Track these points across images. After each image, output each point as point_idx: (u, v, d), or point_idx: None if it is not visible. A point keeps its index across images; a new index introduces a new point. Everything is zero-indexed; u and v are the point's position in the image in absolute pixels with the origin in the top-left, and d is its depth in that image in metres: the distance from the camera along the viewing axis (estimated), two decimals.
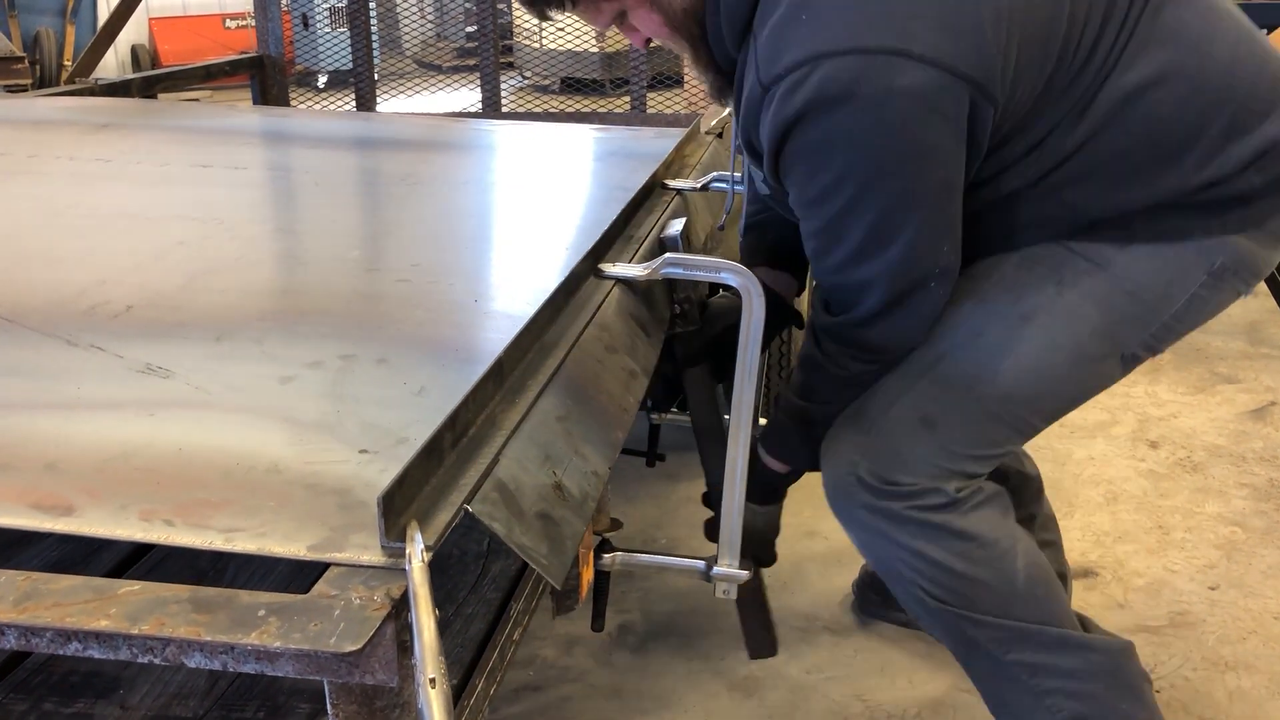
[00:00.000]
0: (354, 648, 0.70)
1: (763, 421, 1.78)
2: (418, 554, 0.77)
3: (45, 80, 8.78)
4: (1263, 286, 3.81)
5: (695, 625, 2.43)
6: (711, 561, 1.51)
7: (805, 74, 1.33)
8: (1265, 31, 3.39)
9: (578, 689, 2.24)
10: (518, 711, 2.17)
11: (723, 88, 1.58)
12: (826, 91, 1.32)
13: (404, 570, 0.77)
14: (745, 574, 1.51)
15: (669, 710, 2.18)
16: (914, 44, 1.31)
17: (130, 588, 0.74)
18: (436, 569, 1.20)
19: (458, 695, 1.04)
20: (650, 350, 1.34)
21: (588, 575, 1.39)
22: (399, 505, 0.81)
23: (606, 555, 1.48)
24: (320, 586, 0.76)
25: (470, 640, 1.12)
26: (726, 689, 2.23)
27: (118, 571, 1.17)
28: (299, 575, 0.79)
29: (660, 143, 2.25)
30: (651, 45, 1.60)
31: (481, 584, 1.26)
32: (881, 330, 1.50)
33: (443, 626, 1.12)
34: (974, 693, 1.75)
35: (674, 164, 2.06)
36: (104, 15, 8.21)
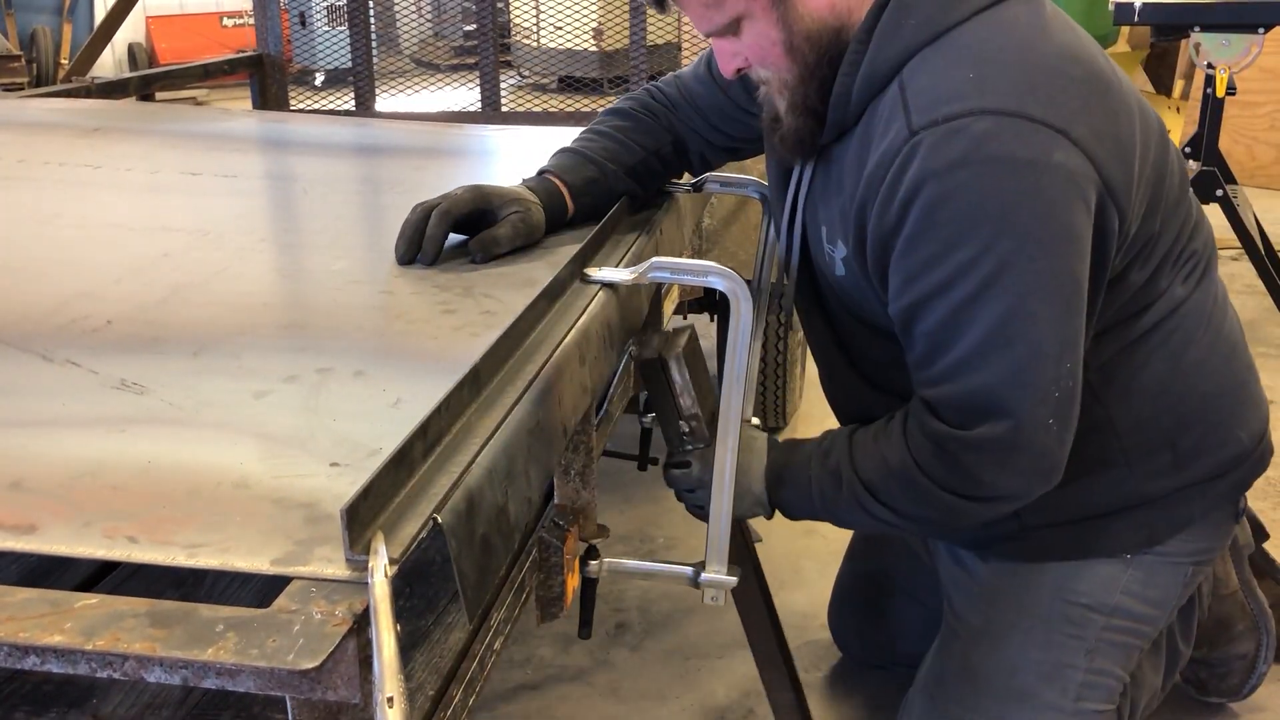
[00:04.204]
0: (311, 665, 0.69)
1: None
2: (380, 567, 0.76)
3: (42, 79, 8.80)
4: (1260, 285, 3.78)
5: (693, 624, 2.43)
6: (699, 568, 1.51)
7: (968, 123, 1.30)
8: (1263, 30, 3.39)
9: (575, 688, 2.25)
10: (515, 710, 2.18)
11: (804, 139, 1.50)
12: (987, 147, 1.29)
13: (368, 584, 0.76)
14: (734, 580, 1.51)
15: (666, 708, 2.19)
16: (1073, 129, 1.31)
17: (88, 601, 0.74)
18: (417, 576, 1.19)
19: (434, 705, 1.04)
20: (608, 364, 1.33)
21: (573, 582, 1.38)
22: (364, 517, 0.80)
23: (593, 562, 1.47)
24: (281, 601, 0.75)
25: (449, 649, 1.11)
26: (724, 687, 2.24)
27: (97, 578, 1.16)
28: (276, 585, 0.78)
29: None
30: (739, 73, 1.51)
31: None
32: (993, 462, 1.42)
33: (422, 635, 1.11)
34: None
35: None
36: (101, 13, 8.21)
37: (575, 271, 1.37)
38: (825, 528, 2.51)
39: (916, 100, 1.36)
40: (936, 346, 1.41)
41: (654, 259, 1.37)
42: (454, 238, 1.51)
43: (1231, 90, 3.56)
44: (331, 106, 3.68)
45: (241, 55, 3.57)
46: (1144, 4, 3.51)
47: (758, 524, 2.78)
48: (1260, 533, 2.07)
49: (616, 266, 1.44)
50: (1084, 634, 1.64)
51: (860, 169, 1.44)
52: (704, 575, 1.50)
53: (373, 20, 3.49)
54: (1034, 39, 1.40)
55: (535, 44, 4.19)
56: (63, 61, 9.16)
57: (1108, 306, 1.48)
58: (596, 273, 1.39)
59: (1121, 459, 1.59)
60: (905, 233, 1.36)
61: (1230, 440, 1.63)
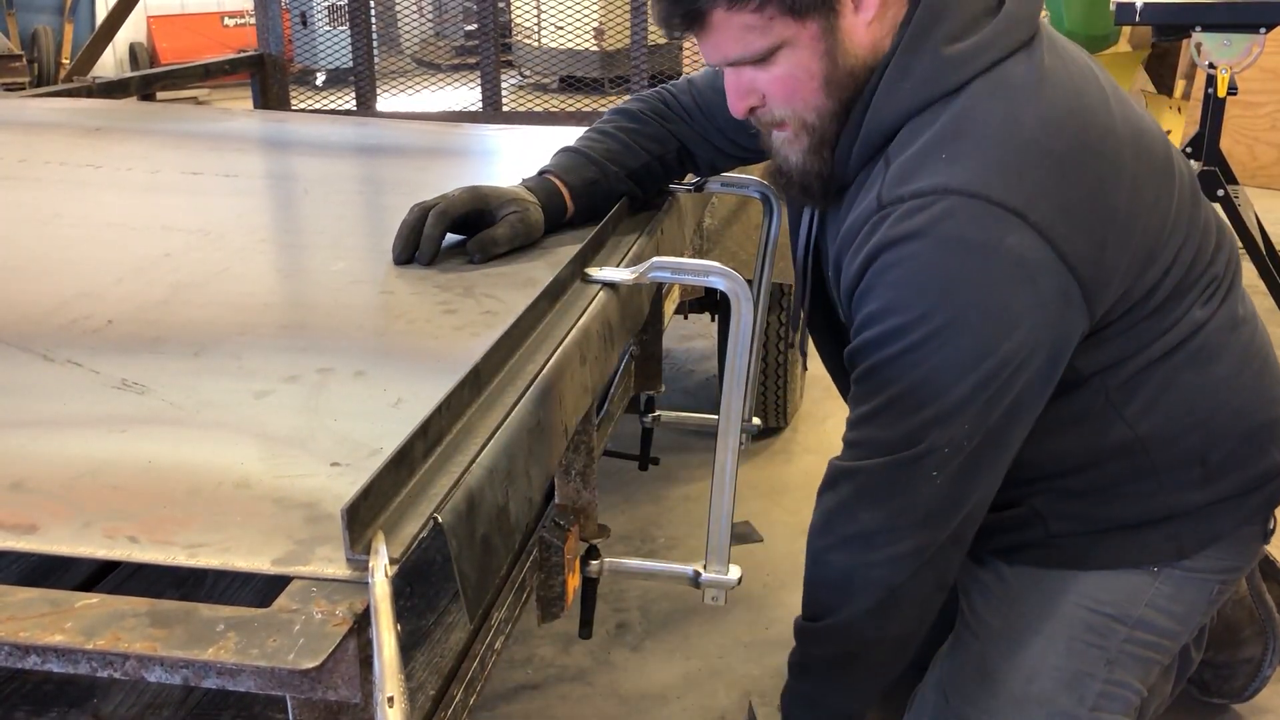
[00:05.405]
0: (312, 665, 0.69)
1: None
2: (381, 567, 0.76)
3: (43, 78, 8.82)
4: (1261, 285, 3.78)
5: (693, 624, 2.43)
6: (700, 568, 1.51)
7: (927, 203, 1.34)
8: (1264, 30, 3.39)
9: (575, 687, 2.25)
10: (515, 710, 2.18)
11: (825, 178, 1.52)
12: (941, 227, 1.33)
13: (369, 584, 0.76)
14: (734, 580, 1.51)
15: (666, 708, 2.19)
16: (1034, 211, 1.33)
17: (88, 601, 0.74)
18: (417, 576, 1.19)
19: (435, 705, 1.04)
20: (609, 364, 1.33)
21: (574, 582, 1.38)
22: (365, 516, 0.80)
23: (594, 562, 1.47)
24: (281, 600, 0.75)
25: (450, 649, 1.11)
26: (724, 687, 2.23)
27: (97, 578, 1.17)
28: (277, 585, 0.78)
29: None
30: (751, 112, 1.50)
31: None
32: (868, 493, 1.49)
33: (422, 635, 1.12)
34: None
35: None
36: (102, 13, 8.22)
37: (576, 271, 1.37)
38: None
39: (892, 174, 1.40)
40: (859, 395, 1.47)
41: (655, 259, 1.37)
42: (454, 238, 1.51)
43: (1233, 90, 3.56)
44: (333, 106, 3.68)
45: (243, 55, 3.57)
46: (1145, 4, 3.50)
47: (758, 524, 2.78)
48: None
49: (617, 266, 1.44)
50: (1105, 643, 1.63)
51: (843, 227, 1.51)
52: (705, 575, 1.50)
53: (374, 20, 3.50)
54: (1020, 108, 1.40)
55: (536, 44, 4.19)
56: (64, 61, 9.18)
57: (1118, 336, 1.51)
58: (597, 272, 1.39)
59: (1150, 473, 1.59)
60: (859, 290, 1.43)
61: (1262, 456, 1.62)
